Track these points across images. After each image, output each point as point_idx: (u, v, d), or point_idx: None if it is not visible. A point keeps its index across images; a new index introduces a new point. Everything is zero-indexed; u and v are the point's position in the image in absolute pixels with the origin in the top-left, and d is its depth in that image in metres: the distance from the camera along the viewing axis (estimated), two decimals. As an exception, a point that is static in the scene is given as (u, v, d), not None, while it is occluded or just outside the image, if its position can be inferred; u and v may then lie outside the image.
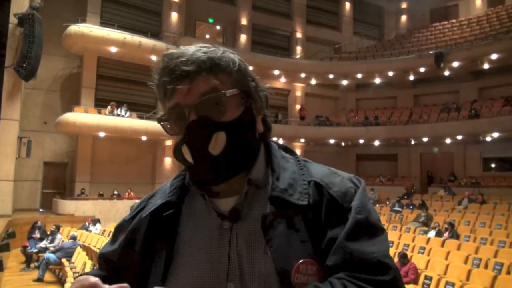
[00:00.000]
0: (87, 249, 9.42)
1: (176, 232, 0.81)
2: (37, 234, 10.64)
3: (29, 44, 11.05)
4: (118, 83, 17.18)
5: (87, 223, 12.55)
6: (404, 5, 24.94)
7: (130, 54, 16.08)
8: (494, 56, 15.98)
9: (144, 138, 16.24)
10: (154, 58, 16.34)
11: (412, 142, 19.63)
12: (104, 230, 11.85)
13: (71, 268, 7.47)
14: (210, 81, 0.76)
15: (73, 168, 16.21)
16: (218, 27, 20.79)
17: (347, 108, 22.29)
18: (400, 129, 18.75)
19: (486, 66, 16.70)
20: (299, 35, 22.06)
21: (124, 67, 17.01)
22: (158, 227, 0.82)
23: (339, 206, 0.76)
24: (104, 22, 16.40)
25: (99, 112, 15.55)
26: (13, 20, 11.63)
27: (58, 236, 10.34)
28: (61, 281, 8.34)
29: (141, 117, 16.28)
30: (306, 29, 22.29)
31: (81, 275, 0.90)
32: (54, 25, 15.12)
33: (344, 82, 20.67)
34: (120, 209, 14.66)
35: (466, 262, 7.23)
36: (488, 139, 16.88)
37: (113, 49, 15.51)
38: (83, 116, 14.74)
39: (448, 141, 18.15)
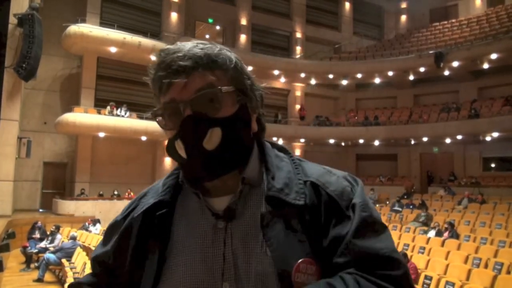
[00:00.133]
0: (87, 249, 9.41)
1: (169, 232, 0.80)
2: (37, 235, 10.63)
3: (28, 44, 11.05)
4: (117, 83, 17.17)
5: (87, 223, 12.55)
6: (403, 5, 24.94)
7: (129, 54, 16.08)
8: (493, 56, 15.99)
9: (144, 138, 16.24)
10: (153, 58, 16.30)
11: (412, 142, 19.63)
12: (104, 230, 11.84)
13: (71, 268, 7.47)
14: (207, 77, 0.75)
15: (73, 168, 16.20)
16: (217, 27, 20.79)
17: (347, 108, 22.29)
18: (400, 129, 18.76)
19: (485, 66, 16.70)
20: (298, 35, 22.06)
21: (124, 67, 17.00)
22: (150, 226, 0.81)
23: (337, 205, 0.76)
24: (104, 22, 16.39)
25: (99, 112, 15.55)
26: (13, 20, 11.63)
27: (58, 236, 10.33)
28: (61, 281, 8.34)
29: (140, 117, 16.26)
30: (305, 29, 22.29)
31: (74, 283, 0.90)
32: (53, 25, 15.12)
33: (344, 82, 20.67)
34: (120, 209, 14.15)
35: (466, 262, 7.23)
36: (488, 139, 16.89)
37: (113, 49, 15.51)
38: (83, 116, 14.74)
39: (448, 141, 18.15)
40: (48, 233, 10.73)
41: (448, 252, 7.82)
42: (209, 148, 0.74)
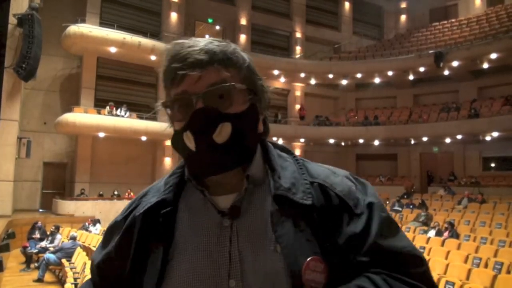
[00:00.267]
0: (87, 249, 9.41)
1: (172, 230, 0.80)
2: (37, 235, 10.63)
3: (28, 45, 11.05)
4: (117, 83, 17.18)
5: (87, 224, 12.55)
6: (403, 5, 24.95)
7: (129, 54, 16.08)
8: (493, 56, 16.00)
9: (144, 138, 16.24)
10: (153, 58, 16.36)
11: (412, 142, 19.64)
12: (104, 231, 11.84)
13: (71, 269, 7.46)
14: (221, 73, 0.76)
15: (73, 168, 16.20)
16: (217, 27, 20.79)
17: (347, 108, 22.30)
18: (400, 128, 18.76)
19: (485, 65, 16.70)
20: (298, 35, 22.06)
21: (124, 67, 17.01)
22: (153, 225, 0.80)
23: (347, 205, 0.78)
24: (104, 22, 16.39)
25: (99, 113, 15.55)
26: (12, 20, 11.63)
27: (58, 236, 10.33)
28: (61, 281, 8.33)
29: (140, 117, 16.28)
30: (305, 29, 22.30)
31: None
32: (53, 25, 15.11)
33: (344, 82, 20.68)
34: (120, 209, 14.26)
35: (466, 261, 7.23)
36: (488, 138, 16.89)
37: (113, 49, 15.51)
38: (82, 117, 14.74)
39: (447, 140, 18.16)
40: (48, 233, 10.73)
41: (448, 252, 7.82)
42: (219, 141, 0.74)
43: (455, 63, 17.14)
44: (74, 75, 16.92)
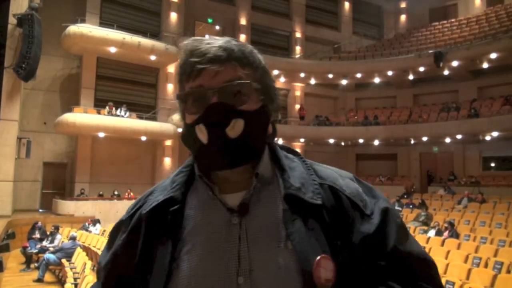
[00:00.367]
0: (87, 249, 9.42)
1: (180, 228, 0.80)
2: (37, 235, 10.63)
3: (28, 45, 11.06)
4: (117, 83, 17.18)
5: (87, 224, 12.56)
6: (403, 5, 24.96)
7: (129, 54, 16.09)
8: (493, 55, 16.00)
9: (143, 138, 16.24)
10: (153, 58, 16.38)
11: (412, 142, 19.63)
12: (104, 231, 11.85)
13: (71, 269, 7.46)
14: (238, 70, 0.78)
15: (73, 168, 16.20)
16: (217, 27, 20.78)
17: (347, 107, 22.30)
18: (400, 128, 18.75)
19: (485, 65, 16.70)
20: (298, 35, 22.07)
21: (124, 67, 17.01)
22: (160, 223, 0.81)
23: (357, 206, 0.80)
24: (103, 23, 16.39)
25: (99, 113, 15.55)
26: (12, 20, 11.64)
27: (58, 236, 10.33)
28: (61, 281, 8.33)
29: (140, 117, 16.29)
30: (305, 29, 22.31)
31: None
32: (53, 25, 15.12)
33: (344, 82, 20.68)
34: (120, 210, 14.66)
35: (466, 261, 7.24)
36: (488, 138, 16.89)
37: (113, 49, 15.51)
38: (82, 117, 14.74)
39: (447, 140, 18.16)
40: (48, 233, 10.74)
41: (448, 252, 7.82)
42: (232, 136, 0.76)
43: (454, 63, 17.14)
44: (74, 75, 16.92)
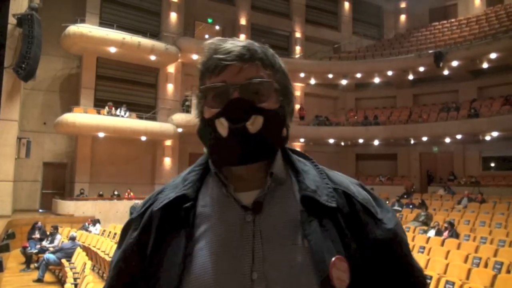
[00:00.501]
0: (86, 249, 9.42)
1: (193, 225, 0.80)
2: (37, 235, 10.62)
3: (28, 45, 11.05)
4: (117, 84, 17.17)
5: (86, 224, 12.56)
6: (403, 5, 24.96)
7: (129, 55, 16.08)
8: (493, 55, 16.00)
9: (143, 138, 16.24)
10: (153, 58, 16.37)
11: (412, 142, 19.63)
12: (104, 231, 11.85)
13: (71, 269, 7.45)
14: (260, 70, 0.81)
15: (73, 168, 16.20)
16: (217, 27, 20.78)
17: (347, 107, 22.30)
18: (400, 128, 18.76)
19: (485, 65, 16.70)
20: (298, 35, 22.07)
21: (123, 67, 17.01)
22: (172, 220, 0.81)
23: (369, 211, 0.84)
24: (103, 23, 16.39)
25: (98, 113, 15.55)
26: (12, 20, 11.63)
27: (58, 236, 10.33)
28: (61, 281, 8.33)
29: (140, 117, 16.28)
30: (305, 28, 22.31)
31: None
32: (53, 25, 15.12)
33: (344, 82, 20.68)
34: (120, 210, 14.66)
35: (466, 261, 7.23)
36: (488, 138, 16.90)
37: (112, 49, 15.51)
38: (82, 117, 14.74)
39: (447, 140, 18.16)
40: (48, 233, 10.73)
41: (448, 252, 7.82)
42: (251, 131, 0.78)
43: (454, 63, 17.14)
44: (74, 75, 16.92)
